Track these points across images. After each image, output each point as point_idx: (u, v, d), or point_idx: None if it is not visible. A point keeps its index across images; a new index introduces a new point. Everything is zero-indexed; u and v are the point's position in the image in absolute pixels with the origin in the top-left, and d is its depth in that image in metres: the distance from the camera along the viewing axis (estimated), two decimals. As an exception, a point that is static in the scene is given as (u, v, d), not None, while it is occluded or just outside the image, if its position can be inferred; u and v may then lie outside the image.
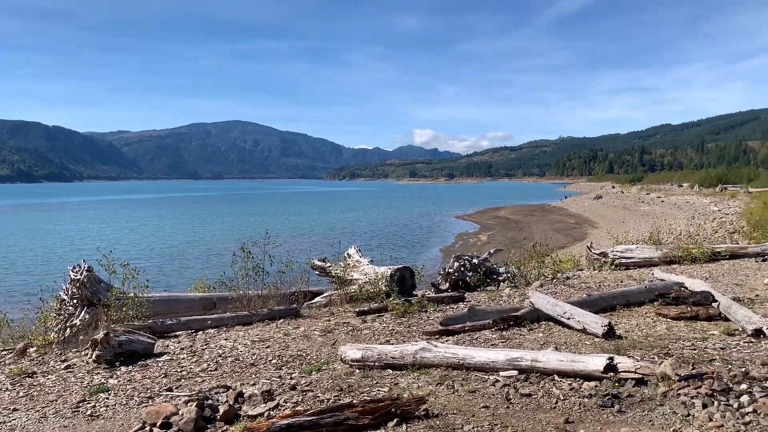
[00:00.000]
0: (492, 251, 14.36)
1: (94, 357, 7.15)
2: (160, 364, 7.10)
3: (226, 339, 8.40)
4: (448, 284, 12.59)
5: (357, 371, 6.24)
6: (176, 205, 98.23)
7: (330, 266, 12.78)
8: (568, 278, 13.33)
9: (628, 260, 15.03)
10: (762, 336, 6.76)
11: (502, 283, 12.89)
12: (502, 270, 13.38)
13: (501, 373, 5.70)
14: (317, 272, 13.06)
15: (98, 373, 6.78)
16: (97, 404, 5.65)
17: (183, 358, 7.37)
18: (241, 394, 5.27)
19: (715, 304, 8.17)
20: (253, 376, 6.41)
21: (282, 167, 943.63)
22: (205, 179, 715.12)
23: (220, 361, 7.13)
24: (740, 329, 7.15)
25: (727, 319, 7.74)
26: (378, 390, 5.50)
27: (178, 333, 9.05)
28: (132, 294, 9.24)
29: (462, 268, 12.84)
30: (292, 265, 11.08)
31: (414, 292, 11.92)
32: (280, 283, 10.97)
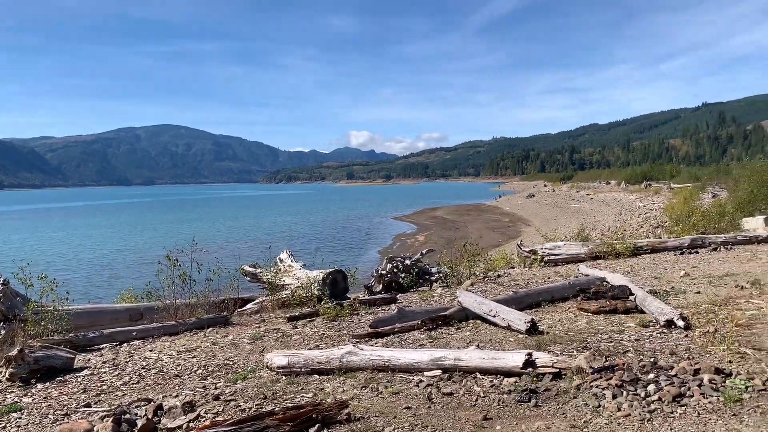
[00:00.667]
0: (424, 252, 14.52)
1: (7, 375, 6.81)
2: (79, 379, 6.83)
3: (151, 350, 8.17)
4: (381, 286, 12.64)
5: (283, 378, 6.19)
6: (105, 212, 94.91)
7: (261, 272, 12.62)
8: (499, 276, 13.59)
9: (557, 257, 15.45)
10: (673, 326, 7.09)
11: (434, 283, 13.03)
12: (434, 270, 13.53)
13: (425, 373, 5.77)
14: (248, 279, 12.87)
15: (12, 392, 6.46)
16: (8, 425, 5.38)
17: (104, 372, 7.12)
18: (160, 407, 5.13)
19: (632, 298, 8.51)
20: (177, 387, 6.25)
21: (216, 171, 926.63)
22: (136, 185, 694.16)
23: (143, 374, 6.92)
24: (654, 321, 7.47)
25: (643, 312, 8.06)
26: (302, 396, 5.47)
27: (101, 346, 8.75)
28: (51, 307, 8.86)
29: (395, 270, 12.92)
30: (220, 272, 10.87)
31: (347, 295, 11.92)
32: (209, 291, 10.74)
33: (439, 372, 5.74)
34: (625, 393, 4.69)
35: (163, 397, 5.85)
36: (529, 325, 7.33)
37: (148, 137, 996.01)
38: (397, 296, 11.48)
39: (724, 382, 4.84)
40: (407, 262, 13.19)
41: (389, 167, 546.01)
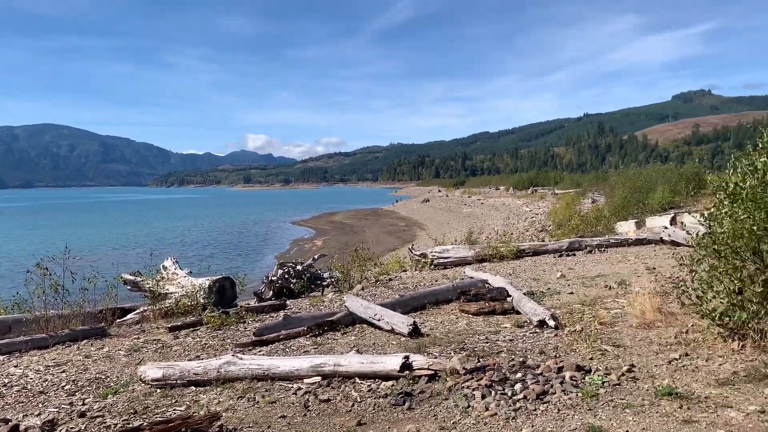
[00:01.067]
0: (316, 257, 14.50)
1: None
2: (-73, 403, 6.24)
3: (16, 366, 7.60)
4: (271, 293, 12.49)
5: (158, 391, 5.94)
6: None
7: (143, 280, 12.09)
8: (390, 280, 13.76)
9: (446, 260, 15.84)
10: (545, 326, 7.47)
11: (326, 289, 13.03)
12: (326, 275, 13.53)
13: (305, 381, 5.74)
14: (129, 287, 12.29)
15: None
16: None
17: (-41, 393, 6.55)
18: (17, 428, 4.79)
19: (509, 299, 8.89)
20: (41, 405, 5.86)
21: (102, 174, 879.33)
22: (13, 188, 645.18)
23: (4, 392, 6.43)
24: (528, 321, 7.84)
25: (519, 312, 8.44)
26: (175, 409, 5.28)
27: (-41, 364, 8.04)
28: None
29: (286, 276, 12.81)
30: (96, 280, 10.30)
31: (236, 303, 11.68)
32: (84, 301, 10.16)
33: (318, 378, 5.73)
34: (493, 393, 4.89)
35: (23, 416, 5.46)
36: (411, 327, 7.48)
37: (27, 137, 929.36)
38: (287, 302, 11.36)
39: (584, 378, 5.15)
40: (299, 267, 13.12)
41: (288, 171, 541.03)
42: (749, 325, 5.58)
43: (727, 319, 5.69)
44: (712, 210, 6.09)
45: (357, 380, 5.67)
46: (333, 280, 13.29)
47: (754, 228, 5.57)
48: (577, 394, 4.79)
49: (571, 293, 9.94)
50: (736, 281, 5.70)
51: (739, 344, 5.67)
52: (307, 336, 8.09)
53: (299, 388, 5.58)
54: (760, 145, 5.92)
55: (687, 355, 5.71)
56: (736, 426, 4.03)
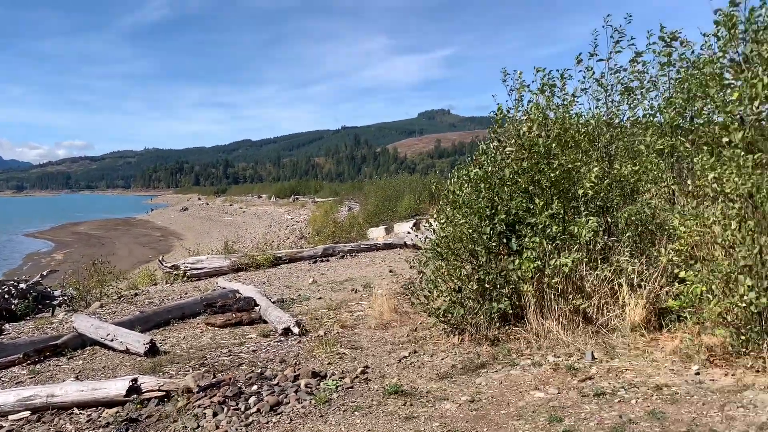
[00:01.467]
0: (45, 273, 12.99)
1: None
2: None
3: None
4: (-14, 316, 10.80)
5: None
6: None
7: None
8: (136, 295, 12.79)
9: (200, 271, 15.22)
10: (290, 333, 7.48)
11: (58, 308, 11.67)
12: (57, 293, 12.13)
13: (10, 417, 4.97)
14: None
15: None
16: None
17: None
18: None
19: (257, 308, 8.76)
20: None
21: None
22: None
23: None
24: (274, 330, 7.78)
25: (266, 322, 8.35)
26: None
27: None
28: None
29: (6, 295, 11.20)
30: None
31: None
32: None
33: (28, 413, 5.00)
34: (226, 409, 4.70)
35: None
36: (147, 346, 6.96)
37: None
38: (6, 326, 9.90)
39: (319, 384, 5.21)
40: (22, 285, 11.57)
41: (21, 176, 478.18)
42: (467, 320, 6.16)
43: (450, 315, 6.23)
44: (436, 215, 6.65)
45: (76, 411, 5.06)
46: (66, 298, 11.96)
47: (470, 231, 6.18)
48: (310, 402, 4.82)
49: (320, 298, 10.15)
50: (456, 280, 6.27)
51: (459, 338, 6.23)
52: (24, 364, 7.09)
53: (2, 426, 4.80)
54: (474, 158, 6.62)
55: (416, 352, 6.11)
56: (450, 417, 4.37)
